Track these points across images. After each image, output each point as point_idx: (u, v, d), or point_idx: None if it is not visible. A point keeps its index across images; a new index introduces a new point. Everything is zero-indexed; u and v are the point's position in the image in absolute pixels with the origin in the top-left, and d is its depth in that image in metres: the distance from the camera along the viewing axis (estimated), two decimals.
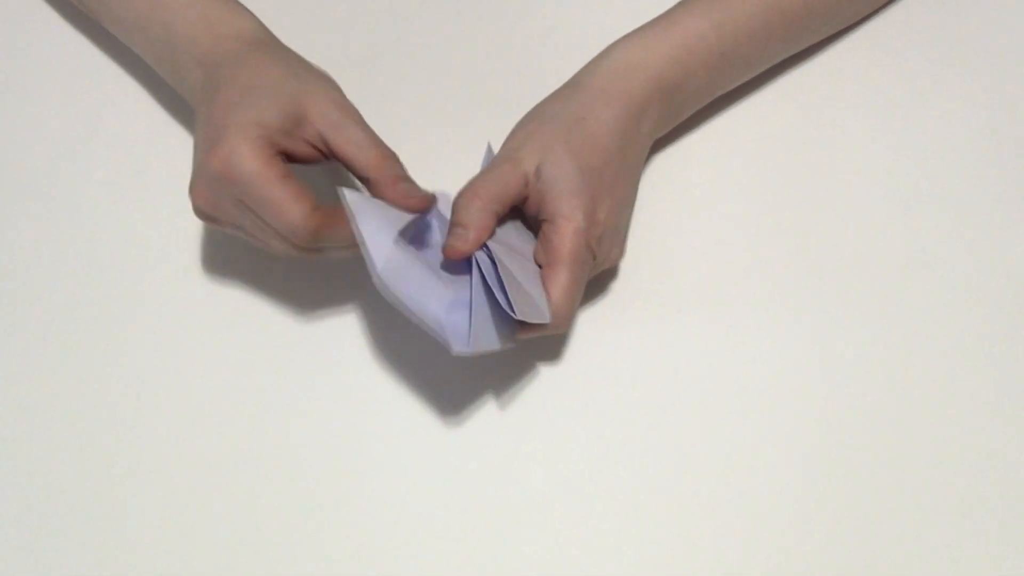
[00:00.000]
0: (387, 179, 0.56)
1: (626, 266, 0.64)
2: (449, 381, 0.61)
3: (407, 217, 0.56)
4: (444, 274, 0.56)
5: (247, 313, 0.63)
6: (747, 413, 0.60)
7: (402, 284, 0.54)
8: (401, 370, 0.61)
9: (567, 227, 0.57)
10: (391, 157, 0.57)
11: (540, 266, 0.58)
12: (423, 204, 0.56)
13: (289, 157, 0.56)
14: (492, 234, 0.57)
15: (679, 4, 0.64)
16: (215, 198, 0.56)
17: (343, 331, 0.62)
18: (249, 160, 0.54)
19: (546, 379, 0.61)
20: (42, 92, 0.68)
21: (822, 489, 0.59)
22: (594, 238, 0.58)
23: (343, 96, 0.59)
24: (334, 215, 0.55)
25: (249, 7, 0.63)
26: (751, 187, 0.66)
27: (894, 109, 0.68)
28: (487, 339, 0.55)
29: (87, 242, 0.64)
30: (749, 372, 0.61)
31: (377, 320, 0.62)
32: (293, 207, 0.54)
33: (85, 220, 0.65)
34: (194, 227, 0.64)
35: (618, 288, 0.64)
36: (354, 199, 0.54)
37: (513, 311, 0.54)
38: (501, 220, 0.59)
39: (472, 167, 0.65)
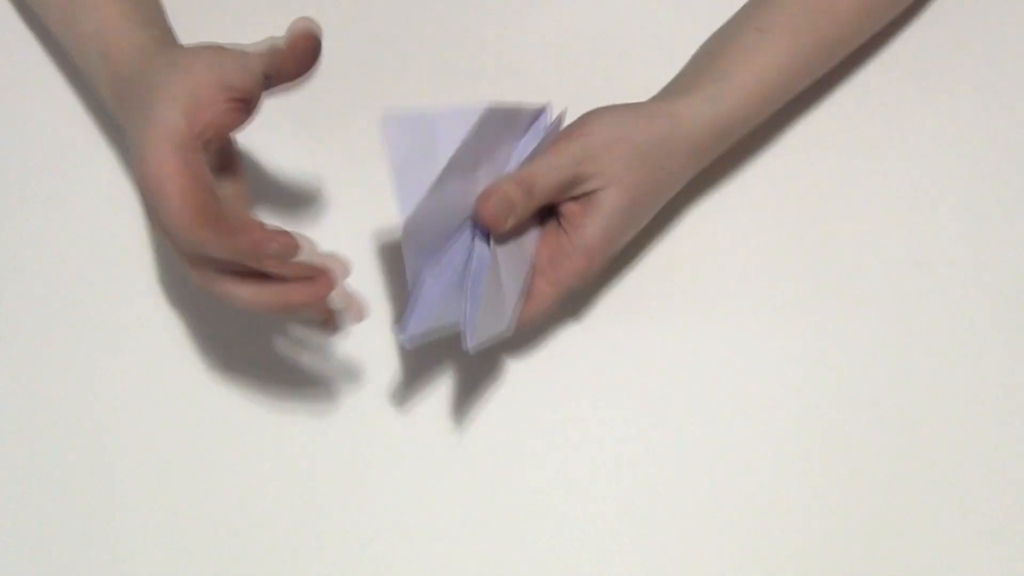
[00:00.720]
0: (285, 51, 0.54)
1: (630, 270, 0.64)
2: (449, 381, 0.61)
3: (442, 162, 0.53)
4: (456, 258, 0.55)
5: (246, 316, 0.62)
6: (750, 415, 0.61)
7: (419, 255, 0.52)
8: (401, 373, 0.61)
9: (585, 262, 0.57)
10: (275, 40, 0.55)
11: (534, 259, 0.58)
12: (312, 36, 0.55)
13: (214, 141, 0.52)
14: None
15: (757, 34, 0.62)
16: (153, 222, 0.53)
17: (343, 333, 0.62)
18: (168, 186, 0.50)
19: (548, 382, 0.61)
20: (42, 94, 0.68)
21: (828, 490, 0.59)
22: (594, 272, 0.58)
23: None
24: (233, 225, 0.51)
25: (249, 7, 0.63)
26: (751, 188, 0.66)
27: (894, 110, 0.68)
28: (487, 328, 0.54)
29: (87, 244, 0.64)
30: (752, 373, 0.61)
31: (377, 321, 0.62)
32: (179, 199, 0.50)
33: (85, 222, 0.64)
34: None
35: (620, 291, 0.63)
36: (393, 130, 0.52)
37: (469, 335, 0.52)
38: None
39: None
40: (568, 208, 0.58)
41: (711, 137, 0.60)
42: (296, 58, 0.54)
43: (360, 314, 0.56)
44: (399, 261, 0.61)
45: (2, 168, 0.66)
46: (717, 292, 0.63)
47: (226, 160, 0.56)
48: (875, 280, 0.64)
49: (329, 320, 0.55)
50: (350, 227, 0.63)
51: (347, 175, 0.65)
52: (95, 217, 0.64)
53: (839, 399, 0.61)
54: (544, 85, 0.67)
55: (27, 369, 0.61)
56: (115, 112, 0.57)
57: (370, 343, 0.62)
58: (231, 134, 0.54)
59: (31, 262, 0.63)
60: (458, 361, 0.61)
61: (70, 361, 0.61)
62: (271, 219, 0.59)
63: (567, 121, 0.59)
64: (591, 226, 0.57)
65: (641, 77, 0.66)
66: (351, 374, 0.61)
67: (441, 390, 0.61)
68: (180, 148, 0.51)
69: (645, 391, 0.61)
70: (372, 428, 0.60)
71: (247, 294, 0.52)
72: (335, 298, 0.54)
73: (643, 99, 0.61)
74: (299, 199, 0.65)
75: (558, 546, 0.58)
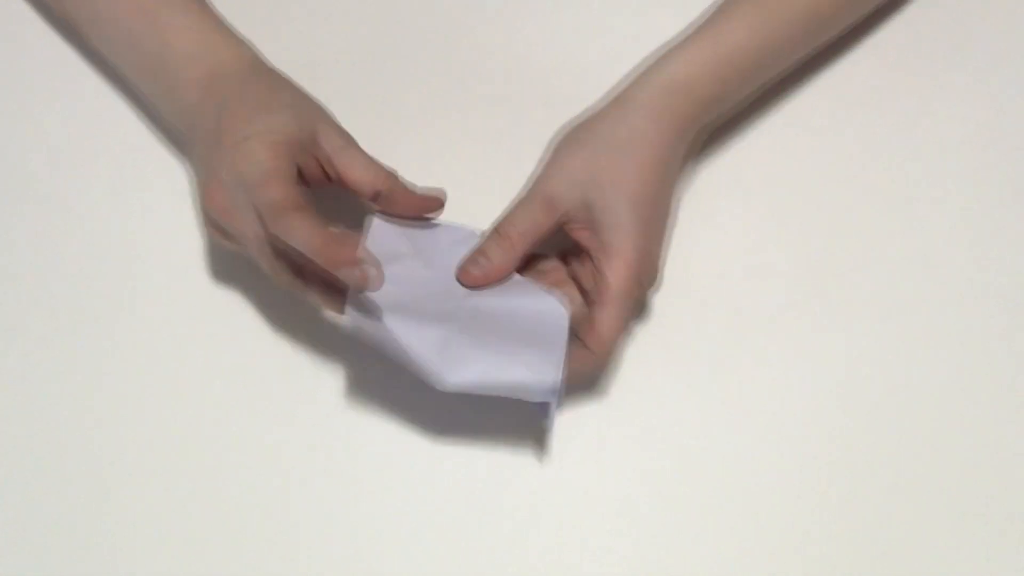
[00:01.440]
0: (398, 188, 0.57)
1: None
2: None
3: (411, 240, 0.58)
4: (435, 304, 0.56)
5: (245, 318, 0.62)
6: (750, 416, 0.60)
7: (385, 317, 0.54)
8: (402, 374, 0.61)
9: (619, 262, 0.56)
10: (395, 174, 0.58)
11: (586, 294, 0.58)
12: (437, 202, 0.59)
13: (300, 174, 0.56)
14: (509, 276, 0.59)
15: (719, 12, 0.63)
16: (230, 204, 0.55)
17: (343, 336, 0.62)
18: (268, 160, 0.54)
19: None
20: (43, 96, 0.68)
21: (828, 490, 0.59)
22: (644, 271, 0.57)
23: (333, 119, 0.59)
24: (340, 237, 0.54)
25: (247, 8, 0.64)
26: (750, 189, 0.66)
27: (895, 110, 0.68)
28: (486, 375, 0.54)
29: (87, 246, 0.64)
30: (752, 373, 0.61)
31: None
32: (298, 213, 0.53)
33: (85, 224, 0.64)
34: (194, 231, 0.64)
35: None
36: (376, 223, 0.58)
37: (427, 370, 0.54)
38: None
39: (470, 167, 0.65)
40: (581, 229, 0.58)
41: (665, 94, 0.59)
42: (412, 204, 0.58)
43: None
44: None
45: (2, 168, 0.66)
46: (716, 291, 0.63)
47: None
48: (875, 280, 0.63)
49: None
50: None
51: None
52: (95, 221, 0.64)
53: (839, 399, 0.61)
54: (543, 85, 0.67)
55: (27, 369, 0.61)
56: (195, 106, 0.59)
57: (369, 348, 0.61)
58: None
59: (31, 266, 0.63)
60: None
61: (70, 361, 0.61)
62: None
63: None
64: (604, 231, 0.57)
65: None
66: (350, 375, 0.61)
67: (440, 394, 0.61)
68: (291, 149, 0.55)
69: (645, 393, 0.61)
70: (372, 428, 0.60)
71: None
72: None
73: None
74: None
75: (557, 550, 0.58)
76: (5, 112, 0.67)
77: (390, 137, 0.64)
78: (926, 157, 0.67)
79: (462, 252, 0.59)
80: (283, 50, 0.67)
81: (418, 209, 0.59)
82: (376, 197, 0.57)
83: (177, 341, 0.61)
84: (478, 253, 0.59)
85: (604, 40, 0.69)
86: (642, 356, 0.61)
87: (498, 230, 0.59)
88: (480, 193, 0.64)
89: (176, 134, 0.65)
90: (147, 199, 0.65)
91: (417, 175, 0.63)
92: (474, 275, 0.58)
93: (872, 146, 0.67)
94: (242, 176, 0.54)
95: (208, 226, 0.58)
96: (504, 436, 0.60)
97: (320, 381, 0.61)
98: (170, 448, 0.59)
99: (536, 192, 0.59)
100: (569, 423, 0.60)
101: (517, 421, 0.60)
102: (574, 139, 0.60)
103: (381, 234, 0.57)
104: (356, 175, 0.57)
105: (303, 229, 0.52)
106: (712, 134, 0.67)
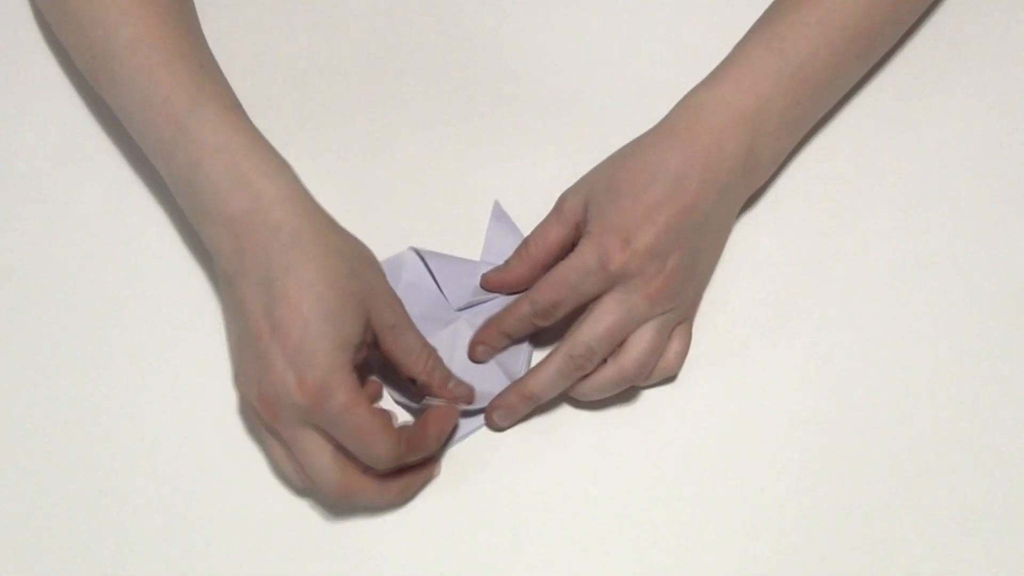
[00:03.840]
0: (437, 382, 0.57)
1: None
2: None
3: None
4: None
5: None
6: (749, 417, 0.60)
7: None
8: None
9: (584, 239, 0.57)
10: (438, 361, 0.58)
11: None
12: (468, 398, 0.58)
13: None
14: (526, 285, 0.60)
15: (736, 45, 0.62)
16: (285, 418, 0.53)
17: None
18: (343, 395, 0.52)
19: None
20: (43, 96, 0.68)
21: (828, 490, 0.59)
22: (618, 261, 0.56)
23: (386, 280, 0.57)
24: (416, 440, 0.55)
25: (249, 9, 0.63)
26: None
27: (894, 110, 0.68)
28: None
29: (86, 247, 0.64)
30: (751, 373, 0.61)
31: None
32: (383, 438, 0.53)
33: (84, 225, 0.64)
34: (193, 233, 0.64)
35: None
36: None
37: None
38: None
39: (470, 167, 0.65)
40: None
41: (709, 110, 0.59)
42: (444, 394, 0.58)
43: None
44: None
45: (3, 168, 0.65)
46: (716, 291, 0.63)
47: None
48: (875, 280, 0.63)
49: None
50: (349, 228, 0.63)
51: (346, 174, 0.65)
52: (94, 223, 0.64)
53: (838, 399, 0.61)
54: (543, 86, 0.67)
55: (27, 369, 0.61)
56: (231, 256, 0.54)
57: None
58: None
59: (31, 267, 0.63)
60: None
61: (70, 361, 0.61)
62: None
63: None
64: (587, 220, 0.58)
65: (636, 81, 0.67)
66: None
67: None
68: (355, 352, 0.54)
69: (645, 393, 0.61)
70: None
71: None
72: None
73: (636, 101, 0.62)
74: None
75: (555, 557, 0.58)
76: (5, 112, 0.67)
77: (389, 138, 0.64)
78: (924, 154, 0.67)
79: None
80: (282, 50, 0.68)
81: (451, 401, 0.58)
82: (413, 381, 0.57)
83: (177, 341, 0.61)
84: (503, 266, 0.61)
85: (606, 40, 0.69)
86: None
87: (521, 242, 0.61)
88: (481, 192, 0.65)
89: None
90: (148, 199, 0.65)
91: (417, 175, 0.63)
92: (491, 279, 0.60)
93: (872, 146, 0.67)
94: (314, 409, 0.52)
95: (255, 416, 0.56)
96: (504, 436, 0.60)
97: None
98: (170, 448, 0.59)
99: (555, 203, 0.60)
100: (570, 423, 0.60)
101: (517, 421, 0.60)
102: (621, 159, 0.59)
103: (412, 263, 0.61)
104: (401, 358, 0.56)
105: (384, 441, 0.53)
106: None
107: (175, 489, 0.58)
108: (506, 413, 0.59)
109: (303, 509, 0.58)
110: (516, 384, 0.59)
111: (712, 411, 0.60)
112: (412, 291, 0.60)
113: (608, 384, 0.58)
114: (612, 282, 0.57)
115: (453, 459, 0.59)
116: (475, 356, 0.60)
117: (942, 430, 0.60)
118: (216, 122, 0.56)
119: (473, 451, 0.59)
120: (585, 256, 0.57)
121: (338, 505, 0.57)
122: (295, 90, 0.67)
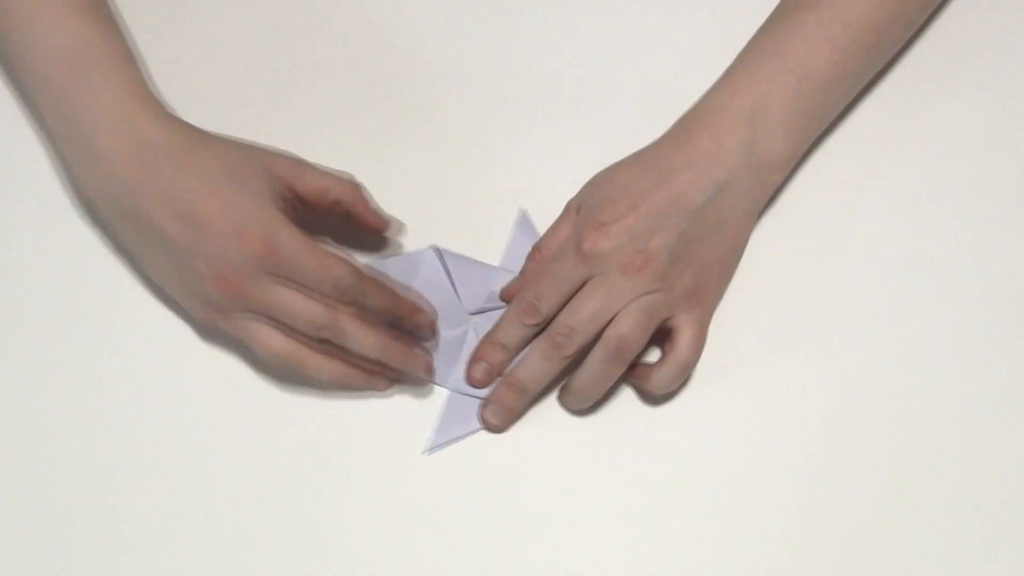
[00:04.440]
0: (361, 201, 0.59)
1: None
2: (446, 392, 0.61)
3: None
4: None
5: None
6: (748, 417, 0.61)
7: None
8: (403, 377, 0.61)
9: (560, 218, 0.60)
10: (356, 183, 0.59)
11: None
12: (391, 226, 0.60)
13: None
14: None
15: (737, 55, 0.63)
16: (246, 283, 0.55)
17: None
18: (287, 234, 0.55)
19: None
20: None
21: (828, 490, 0.59)
22: (591, 240, 0.57)
23: (269, 148, 0.59)
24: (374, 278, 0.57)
25: (247, 9, 0.63)
26: None
27: (894, 110, 0.68)
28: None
29: (86, 247, 0.64)
30: (750, 373, 0.61)
31: None
32: (338, 261, 0.55)
33: (84, 224, 0.64)
34: None
35: None
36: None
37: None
38: None
39: (469, 167, 0.65)
40: None
41: (704, 110, 0.60)
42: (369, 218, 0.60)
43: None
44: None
45: (2, 168, 0.65)
46: (725, 297, 0.63)
47: None
48: (874, 280, 0.63)
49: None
50: (349, 228, 0.63)
51: (355, 173, 0.65)
52: (94, 225, 0.64)
53: (838, 400, 0.61)
54: (543, 88, 0.67)
55: (27, 369, 0.61)
56: (131, 183, 0.56)
57: None
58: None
59: (31, 268, 0.63)
60: None
61: (69, 361, 0.61)
62: None
63: None
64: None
65: (637, 85, 0.67)
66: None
67: (440, 399, 0.61)
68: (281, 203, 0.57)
69: (645, 394, 0.61)
70: (370, 431, 0.60)
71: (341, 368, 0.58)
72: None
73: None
74: None
75: (558, 552, 0.58)
76: (5, 113, 0.67)
77: (388, 137, 0.64)
78: (924, 154, 0.67)
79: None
80: (279, 50, 0.68)
81: (374, 224, 0.60)
82: (337, 207, 0.58)
83: (176, 341, 0.61)
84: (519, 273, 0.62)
85: (607, 42, 0.69)
86: (642, 357, 0.62)
87: (532, 247, 0.62)
88: (479, 193, 0.65)
89: (90, 205, 0.62)
90: None
91: (417, 176, 0.63)
92: (508, 291, 0.61)
93: (881, 151, 0.67)
94: (268, 255, 0.54)
95: (217, 310, 0.57)
96: (504, 436, 0.60)
97: (319, 391, 0.61)
98: (169, 448, 0.59)
99: (563, 208, 0.62)
100: (570, 424, 0.60)
101: (518, 421, 0.60)
102: (621, 165, 0.61)
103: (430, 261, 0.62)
104: (313, 184, 0.58)
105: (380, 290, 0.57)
106: None
107: (175, 489, 0.59)
108: (498, 408, 0.59)
109: (303, 509, 0.58)
110: (503, 377, 0.59)
111: (720, 416, 0.60)
112: (427, 289, 0.60)
113: (597, 365, 0.57)
114: (589, 268, 0.57)
115: (453, 460, 0.59)
116: (474, 378, 0.60)
117: (955, 433, 0.60)
118: (113, 63, 0.58)
119: (473, 451, 0.60)
120: (560, 235, 0.60)
121: (290, 378, 0.59)
122: (294, 91, 0.67)
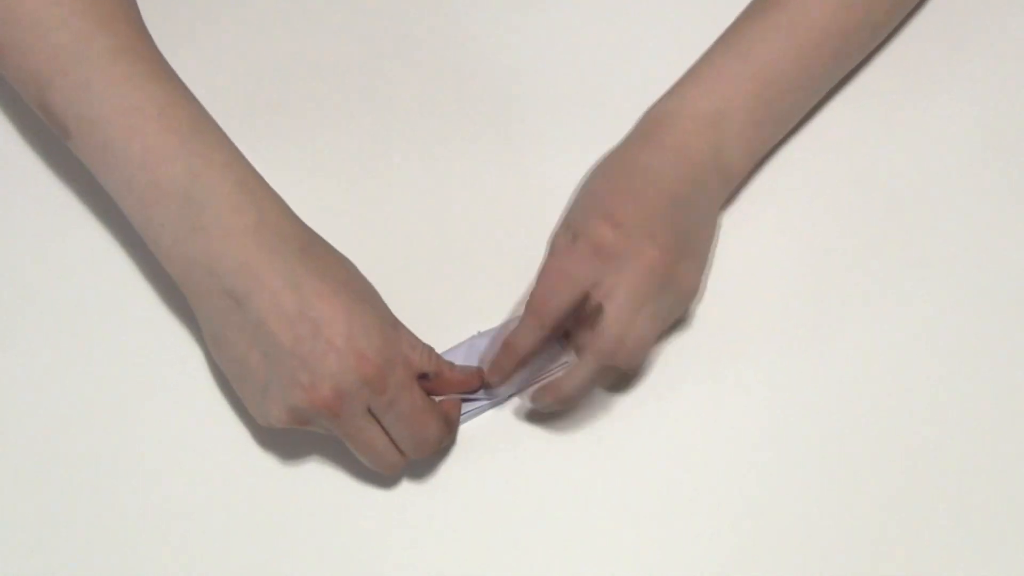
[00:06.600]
0: (444, 368, 0.57)
1: None
2: None
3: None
4: None
5: None
6: (749, 417, 0.61)
7: None
8: None
9: (565, 235, 0.57)
10: (434, 352, 0.58)
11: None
12: (478, 379, 0.58)
13: None
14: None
15: (702, 54, 0.63)
16: (344, 406, 0.52)
17: None
18: (402, 371, 0.53)
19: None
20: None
21: (828, 490, 0.59)
22: (609, 237, 0.55)
23: None
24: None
25: (247, 9, 0.63)
26: (749, 188, 0.66)
27: (894, 111, 0.68)
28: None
29: (86, 248, 0.64)
30: (750, 374, 0.61)
31: None
32: (436, 418, 0.55)
33: (85, 224, 0.64)
34: None
35: None
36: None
37: None
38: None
39: (468, 167, 0.65)
40: None
41: (673, 114, 0.60)
42: (454, 381, 0.57)
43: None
44: (398, 260, 0.62)
45: (3, 174, 0.66)
46: (716, 291, 0.63)
47: None
48: (874, 280, 0.63)
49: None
50: (350, 229, 0.63)
51: (348, 175, 0.65)
52: (94, 225, 0.64)
53: (838, 399, 0.61)
54: (543, 87, 0.67)
55: (26, 369, 0.61)
56: (250, 264, 0.52)
57: None
58: None
59: (32, 268, 0.63)
60: None
61: (69, 361, 0.61)
62: None
63: None
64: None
65: (637, 82, 0.66)
66: None
67: None
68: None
69: (646, 395, 0.61)
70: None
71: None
72: None
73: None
74: (298, 201, 0.65)
75: (556, 557, 0.58)
76: (6, 114, 0.67)
77: (387, 138, 0.64)
78: (924, 154, 0.67)
79: None
80: (279, 51, 0.68)
81: (460, 387, 0.58)
82: (425, 376, 0.56)
83: (176, 341, 0.62)
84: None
85: (608, 42, 0.69)
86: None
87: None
88: (479, 193, 0.65)
89: (172, 271, 0.55)
90: None
91: (416, 177, 0.63)
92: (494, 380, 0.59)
93: (868, 145, 0.67)
94: (384, 379, 0.52)
95: (294, 423, 0.53)
96: (505, 436, 0.60)
97: None
98: (169, 448, 0.59)
99: (547, 246, 0.60)
100: (570, 424, 0.60)
101: (518, 421, 0.60)
102: (594, 169, 0.60)
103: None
104: (407, 351, 0.55)
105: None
106: None
107: (175, 490, 0.59)
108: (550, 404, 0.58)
109: (303, 509, 0.58)
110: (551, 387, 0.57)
111: (720, 416, 0.60)
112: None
113: (589, 373, 0.57)
114: (604, 268, 0.55)
115: (454, 459, 0.60)
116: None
117: (955, 433, 0.60)
118: (219, 136, 0.55)
119: (472, 452, 0.60)
120: (565, 238, 0.57)
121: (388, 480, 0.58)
122: (293, 92, 0.67)
